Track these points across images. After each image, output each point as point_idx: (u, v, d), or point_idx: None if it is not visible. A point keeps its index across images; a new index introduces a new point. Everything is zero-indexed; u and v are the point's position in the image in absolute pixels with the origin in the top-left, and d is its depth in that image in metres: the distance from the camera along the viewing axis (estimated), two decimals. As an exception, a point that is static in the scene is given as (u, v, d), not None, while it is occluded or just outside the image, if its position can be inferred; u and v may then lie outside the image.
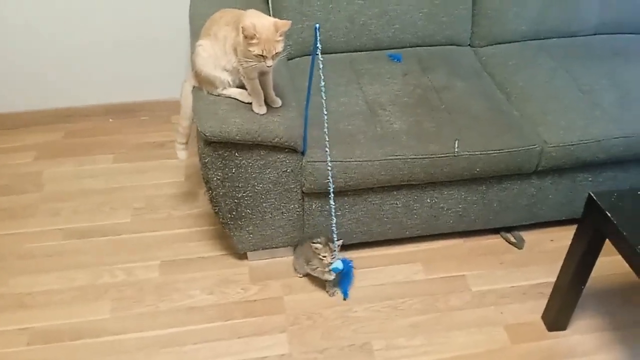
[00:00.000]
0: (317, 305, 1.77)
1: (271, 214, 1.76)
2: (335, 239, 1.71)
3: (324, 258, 1.69)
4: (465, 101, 1.89)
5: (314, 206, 1.76)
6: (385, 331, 1.70)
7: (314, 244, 1.70)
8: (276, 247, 1.87)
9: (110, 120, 2.53)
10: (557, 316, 1.71)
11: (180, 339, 1.66)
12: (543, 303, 1.74)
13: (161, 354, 1.62)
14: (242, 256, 1.91)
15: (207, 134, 1.53)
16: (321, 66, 1.48)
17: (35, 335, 1.66)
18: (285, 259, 1.91)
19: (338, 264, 1.73)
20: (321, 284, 1.82)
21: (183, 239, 1.98)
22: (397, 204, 1.81)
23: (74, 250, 1.93)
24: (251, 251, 1.88)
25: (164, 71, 2.44)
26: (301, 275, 1.86)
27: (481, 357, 1.64)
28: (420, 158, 1.70)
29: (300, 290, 1.82)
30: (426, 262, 1.91)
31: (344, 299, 1.79)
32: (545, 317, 1.75)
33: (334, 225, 1.70)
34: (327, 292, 1.80)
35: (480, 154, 1.73)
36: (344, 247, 1.75)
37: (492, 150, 1.73)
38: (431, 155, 1.71)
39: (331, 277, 1.75)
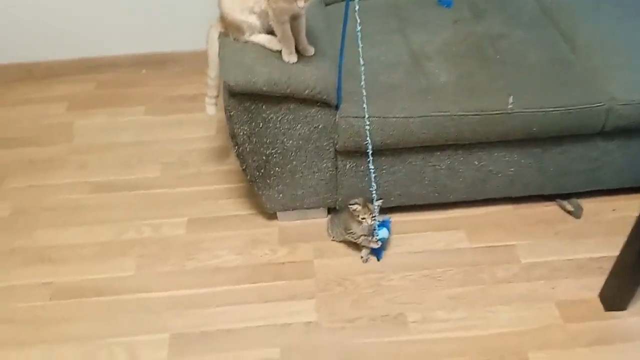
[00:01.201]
0: (348, 271, 1.65)
1: (302, 173, 1.63)
2: (375, 199, 1.57)
3: (363, 220, 1.56)
4: (522, 51, 1.68)
5: (347, 166, 1.62)
6: (422, 302, 1.57)
7: (351, 206, 1.57)
8: (308, 209, 1.76)
9: (143, 71, 2.44)
10: (617, 295, 1.54)
11: (205, 300, 1.59)
12: (601, 280, 1.56)
13: (185, 315, 1.55)
14: (272, 216, 1.80)
15: (231, 84, 1.40)
16: (357, 7, 1.31)
17: (58, 290, 1.62)
18: (317, 221, 1.79)
19: (384, 233, 1.60)
20: (354, 248, 1.70)
21: (212, 196, 1.89)
22: (440, 165, 1.65)
23: (101, 204, 1.87)
24: (281, 211, 1.76)
25: (196, 20, 2.29)
26: (334, 240, 1.74)
27: (528, 335, 1.49)
28: (468, 115, 1.52)
29: (331, 255, 1.70)
30: (470, 230, 1.76)
31: (378, 260, 1.66)
32: (602, 295, 1.57)
33: (373, 184, 1.55)
34: (361, 257, 1.68)
35: (538, 111, 1.53)
36: (380, 210, 1.60)
37: (551, 107, 1.53)
38: (481, 112, 1.52)
39: (377, 245, 1.63)
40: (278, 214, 1.79)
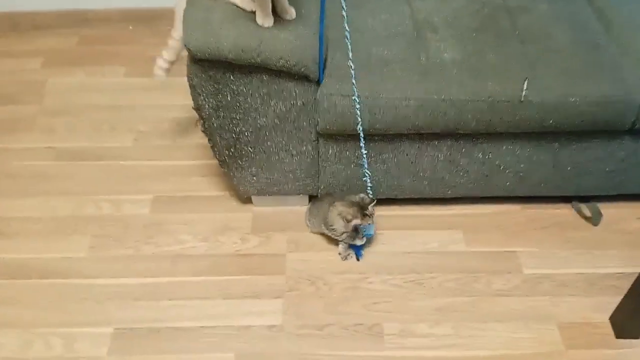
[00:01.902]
0: (324, 269, 1.46)
1: (278, 156, 1.43)
2: (370, 197, 1.37)
3: (354, 221, 1.37)
4: (546, 28, 1.42)
5: (330, 151, 1.41)
6: (404, 312, 1.37)
7: (350, 223, 1.37)
8: (286, 194, 1.55)
9: (130, 27, 2.23)
10: (632, 320, 1.32)
11: (158, 292, 1.41)
12: (614, 300, 1.34)
13: (133, 307, 1.38)
14: (247, 200, 1.61)
15: (191, 48, 1.19)
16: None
17: (1, 269, 1.46)
18: (296, 209, 1.59)
19: (370, 229, 1.41)
20: (334, 243, 1.49)
21: (184, 172, 1.70)
22: (438, 156, 1.43)
23: (63, 173, 1.69)
24: (256, 195, 1.57)
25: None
26: (313, 231, 1.54)
27: (521, 361, 1.29)
28: (473, 101, 1.29)
29: (307, 248, 1.50)
30: (469, 230, 1.54)
31: (358, 259, 1.46)
32: (614, 319, 1.36)
33: (368, 181, 1.34)
34: (339, 254, 1.48)
35: (558, 100, 1.29)
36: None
37: (574, 97, 1.29)
38: (489, 97, 1.29)
39: (362, 242, 1.43)
40: (253, 198, 1.59)
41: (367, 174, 1.34)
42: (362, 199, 1.39)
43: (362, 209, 1.36)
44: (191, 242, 1.52)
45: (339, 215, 1.38)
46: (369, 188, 1.36)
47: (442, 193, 1.53)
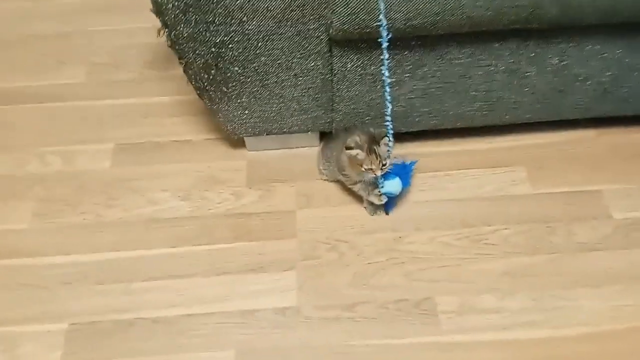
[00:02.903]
0: (348, 229, 1.09)
1: (277, 78, 1.03)
2: (390, 133, 0.98)
3: (369, 170, 0.98)
4: None
5: (349, 65, 1.02)
6: (461, 280, 1.01)
7: (348, 149, 0.98)
8: (289, 133, 1.17)
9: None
10: None
11: (127, 271, 1.05)
12: None
13: (93, 293, 1.02)
14: (238, 143, 1.22)
15: None
16: None
17: None
18: (303, 152, 1.21)
19: (393, 186, 1.03)
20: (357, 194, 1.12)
21: (154, 112, 1.31)
22: (497, 66, 1.04)
23: (-3, 122, 1.30)
24: (250, 136, 1.18)
25: None
26: (328, 180, 1.16)
27: (626, 339, 0.94)
28: (555, -24, 0.89)
29: (322, 202, 1.13)
30: (534, 167, 1.17)
31: (386, 213, 1.10)
32: None
33: (388, 103, 0.96)
34: (364, 207, 1.11)
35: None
36: (396, 136, 1.02)
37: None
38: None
39: (379, 201, 1.05)
40: (246, 140, 1.21)
41: (386, 93, 0.94)
42: (380, 132, 0.99)
43: (372, 143, 0.98)
44: (168, 202, 1.14)
45: (350, 160, 1.00)
46: (388, 118, 0.96)
47: (497, 118, 1.15)
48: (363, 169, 0.98)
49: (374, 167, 0.97)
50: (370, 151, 0.97)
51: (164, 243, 1.08)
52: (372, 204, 1.09)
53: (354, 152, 0.97)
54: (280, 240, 1.08)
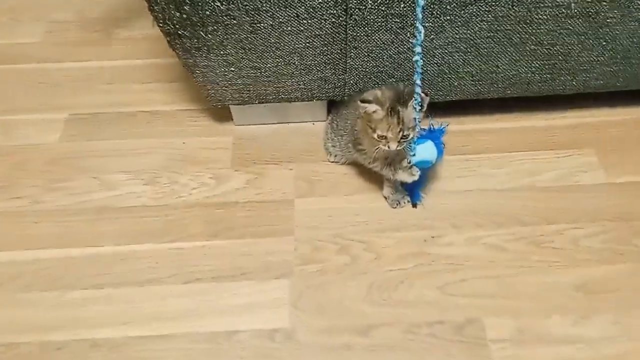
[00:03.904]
0: (362, 224, 0.82)
1: (273, 19, 0.77)
2: (418, 91, 0.70)
3: (381, 139, 0.71)
4: None
5: (369, 2, 0.75)
6: (517, 295, 0.74)
7: (363, 103, 0.71)
8: (287, 100, 0.90)
9: None
10: None
11: (63, 275, 0.78)
12: None
13: (14, 302, 0.75)
14: (223, 115, 0.96)
15: None
16: None
17: None
18: (304, 127, 0.95)
19: (426, 151, 0.75)
20: (375, 179, 0.85)
21: (124, 78, 1.05)
22: (569, 6, 0.77)
23: None
24: (237, 104, 0.91)
25: None
26: (338, 162, 0.90)
27: None
28: None
29: (329, 190, 0.87)
30: (607, 150, 0.90)
31: (413, 205, 0.83)
32: None
33: (418, 58, 0.68)
34: (385, 198, 0.84)
35: None
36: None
37: None
38: None
39: (411, 178, 0.78)
40: (233, 111, 0.94)
41: (417, 42, 0.66)
42: (410, 91, 0.72)
43: (397, 103, 0.71)
44: (128, 186, 0.88)
45: (366, 123, 0.73)
46: (418, 77, 0.69)
47: (560, 85, 0.88)
48: (375, 137, 0.71)
49: (390, 134, 0.71)
50: (392, 112, 0.70)
51: (117, 239, 0.81)
52: (394, 192, 0.82)
53: (370, 107, 0.71)
54: (272, 238, 0.81)
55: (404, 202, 0.84)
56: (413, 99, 0.71)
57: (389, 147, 0.72)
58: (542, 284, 0.75)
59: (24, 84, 1.04)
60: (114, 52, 1.09)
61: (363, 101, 0.71)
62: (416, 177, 0.76)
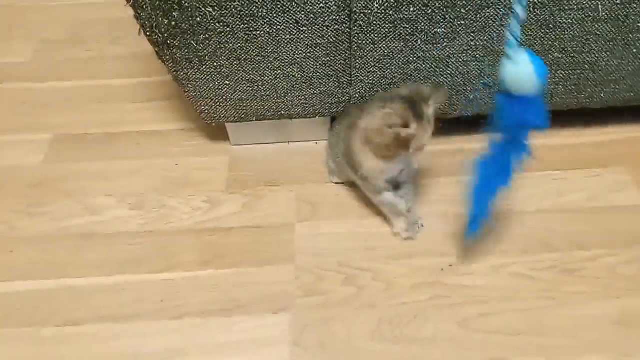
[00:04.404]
0: (370, 251, 0.74)
1: (270, 26, 0.71)
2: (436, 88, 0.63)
3: (419, 148, 0.65)
4: None
5: (375, 5, 0.68)
6: (548, 333, 0.65)
7: (386, 107, 0.64)
8: (287, 117, 0.83)
9: None
10: None
11: (38, 309, 0.70)
12: None
13: (-14, 342, 0.67)
14: (218, 135, 0.89)
15: None
16: None
17: None
18: (306, 146, 0.88)
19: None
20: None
21: (115, 97, 0.99)
22: (597, 7, 0.70)
23: None
24: (233, 121, 0.84)
25: None
26: (341, 181, 0.82)
27: None
28: None
29: (334, 213, 0.79)
30: (640, 167, 0.81)
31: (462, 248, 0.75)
32: None
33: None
34: (391, 227, 0.76)
35: None
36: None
37: None
38: None
39: (403, 236, 0.71)
40: (229, 130, 0.87)
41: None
42: (418, 90, 0.65)
43: (416, 105, 0.64)
44: (113, 211, 0.80)
45: (384, 132, 0.65)
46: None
47: (586, 98, 0.80)
48: (410, 151, 0.64)
49: (426, 140, 0.63)
50: (420, 116, 0.63)
51: (100, 269, 0.73)
52: (406, 220, 0.74)
53: (403, 131, 0.63)
54: (271, 266, 0.73)
55: (420, 226, 0.75)
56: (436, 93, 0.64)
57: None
58: (576, 317, 0.65)
59: (8, 104, 0.98)
60: (106, 70, 1.03)
61: (390, 126, 0.63)
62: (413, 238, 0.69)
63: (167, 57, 0.74)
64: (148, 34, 0.72)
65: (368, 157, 0.68)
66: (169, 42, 0.72)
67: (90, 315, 0.69)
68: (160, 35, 0.72)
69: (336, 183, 0.82)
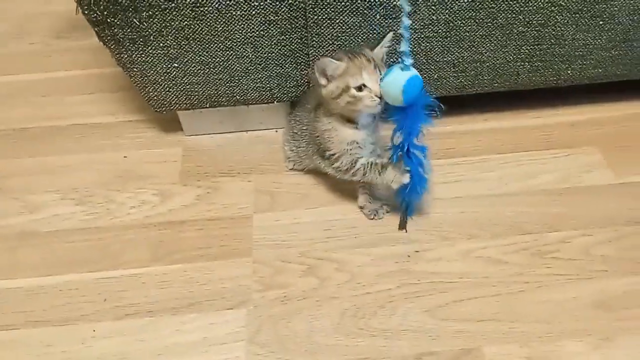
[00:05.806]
0: (333, 240, 0.69)
1: (218, 3, 0.66)
2: (406, 45, 0.58)
3: (362, 90, 0.60)
4: None
5: (330, -28, 0.64)
6: (521, 319, 0.60)
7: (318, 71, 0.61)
8: (243, 103, 0.78)
9: None
10: None
11: (-29, 315, 0.63)
12: None
13: None
14: (171, 125, 0.84)
15: None
16: None
17: None
18: (264, 134, 0.83)
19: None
20: (346, 187, 0.72)
21: (60, 89, 0.93)
22: (558, -20, 0.67)
23: None
24: (185, 109, 0.79)
25: None
26: (298, 169, 0.77)
27: None
28: None
29: (294, 203, 0.74)
30: (612, 147, 0.79)
31: (400, 229, 0.70)
32: None
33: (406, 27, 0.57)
34: (360, 208, 0.71)
35: None
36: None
37: None
38: None
39: (399, 182, 0.65)
40: (182, 119, 0.82)
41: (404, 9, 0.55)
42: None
43: (354, 50, 0.61)
44: (55, 207, 0.74)
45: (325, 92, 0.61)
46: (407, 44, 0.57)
47: (553, 76, 0.77)
48: (350, 96, 0.59)
49: (366, 76, 0.59)
50: (356, 55, 0.60)
51: (37, 269, 0.67)
52: (373, 199, 0.70)
53: (330, 64, 0.59)
54: (226, 260, 0.67)
55: (383, 213, 0.71)
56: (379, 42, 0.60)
57: (373, 97, 0.59)
58: (552, 302, 0.61)
59: (-56, 100, 0.92)
60: (52, 63, 0.98)
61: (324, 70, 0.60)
62: (408, 179, 0.64)
63: (109, 38, 0.69)
64: (86, 11, 0.67)
65: (336, 129, 0.64)
66: (108, 20, 0.67)
67: (26, 319, 0.62)
68: (99, 13, 0.66)
69: (291, 169, 0.77)
